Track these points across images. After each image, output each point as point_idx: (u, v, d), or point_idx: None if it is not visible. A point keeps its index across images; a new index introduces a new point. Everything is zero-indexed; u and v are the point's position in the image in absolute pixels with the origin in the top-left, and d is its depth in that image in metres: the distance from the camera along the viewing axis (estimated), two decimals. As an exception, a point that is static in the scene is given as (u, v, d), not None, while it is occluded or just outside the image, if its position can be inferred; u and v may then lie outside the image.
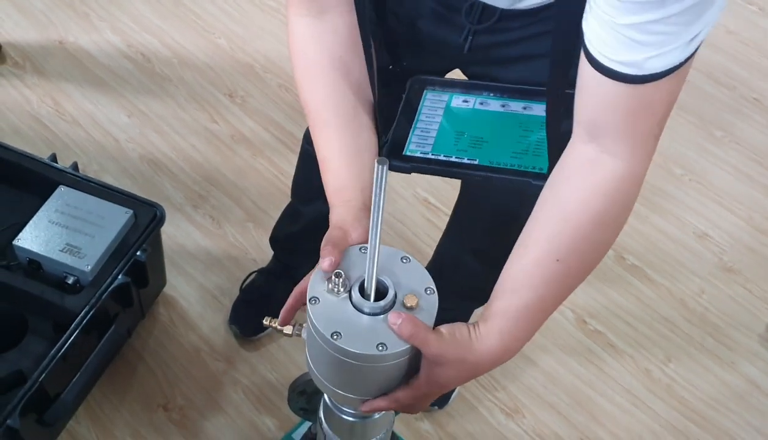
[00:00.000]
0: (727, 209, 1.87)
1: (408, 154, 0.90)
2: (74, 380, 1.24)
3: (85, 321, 1.26)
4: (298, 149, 1.41)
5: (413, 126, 0.92)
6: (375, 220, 0.71)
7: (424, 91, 0.96)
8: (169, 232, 1.68)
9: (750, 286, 1.73)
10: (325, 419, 0.97)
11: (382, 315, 0.75)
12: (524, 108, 0.92)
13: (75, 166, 1.45)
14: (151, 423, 1.44)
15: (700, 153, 1.99)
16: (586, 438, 1.48)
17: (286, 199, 1.51)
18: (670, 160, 1.96)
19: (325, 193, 0.84)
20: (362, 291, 0.75)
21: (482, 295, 0.81)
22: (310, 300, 0.75)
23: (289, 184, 1.48)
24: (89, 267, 1.29)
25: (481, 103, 0.94)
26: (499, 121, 0.92)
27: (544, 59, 0.79)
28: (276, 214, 1.54)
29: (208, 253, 1.68)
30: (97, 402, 1.44)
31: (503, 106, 0.93)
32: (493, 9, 0.89)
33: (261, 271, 1.61)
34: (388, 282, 0.76)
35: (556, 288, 0.75)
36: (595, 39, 0.65)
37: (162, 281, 1.59)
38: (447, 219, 1.37)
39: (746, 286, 1.73)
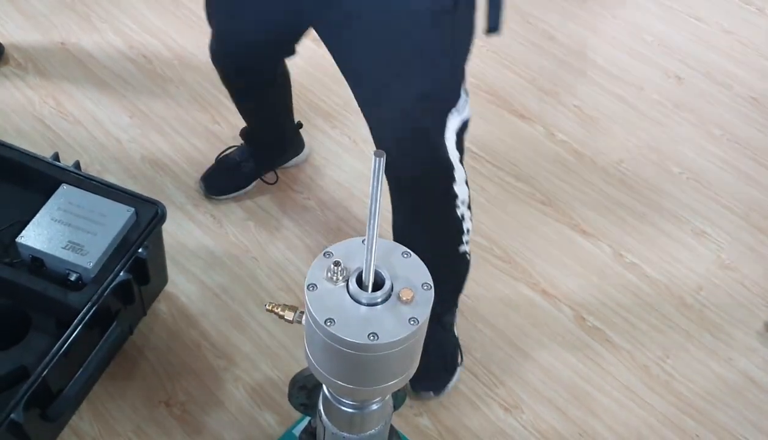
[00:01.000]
0: (725, 207, 1.88)
1: None
2: (77, 376, 1.25)
3: (87, 318, 1.28)
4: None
5: None
6: (373, 211, 0.73)
7: None
8: (170, 231, 1.69)
9: (747, 283, 1.74)
10: (324, 411, 0.99)
11: (377, 306, 0.76)
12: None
13: (77, 165, 1.47)
14: (153, 418, 1.45)
15: (698, 151, 2.00)
16: (585, 433, 1.49)
17: (286, 198, 1.52)
18: (668, 159, 1.97)
19: None
20: (359, 281, 0.77)
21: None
22: (308, 286, 0.77)
23: (287, 181, 1.49)
24: (91, 264, 1.31)
25: None
26: None
27: None
28: (276, 213, 1.56)
29: (209, 251, 1.70)
30: (99, 397, 1.46)
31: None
32: None
33: (238, 147, 1.81)
34: (385, 274, 0.78)
35: None
36: None
37: (163, 279, 1.60)
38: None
39: (744, 283, 1.74)
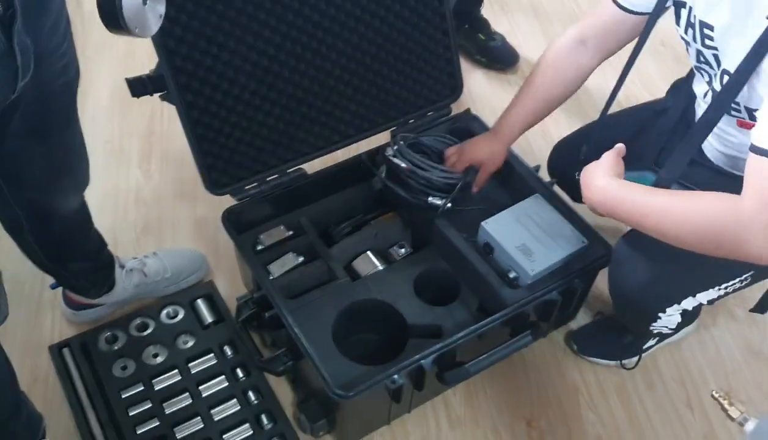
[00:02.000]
0: None
1: None
2: (480, 358, 1.36)
3: (509, 316, 1.38)
4: None
5: None
6: None
7: None
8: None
9: None
10: None
11: None
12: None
13: (551, 183, 1.58)
14: (512, 428, 1.51)
15: None
16: None
17: None
18: None
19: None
20: None
21: None
22: None
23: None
24: (534, 272, 1.40)
25: None
26: None
27: None
28: None
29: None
30: (476, 385, 1.57)
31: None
32: None
33: None
34: None
35: (647, 218, 1.12)
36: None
37: (572, 315, 1.65)
38: None
39: None
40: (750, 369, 1.62)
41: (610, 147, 1.24)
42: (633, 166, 1.25)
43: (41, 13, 1.03)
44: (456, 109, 1.74)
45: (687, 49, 1.25)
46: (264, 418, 1.47)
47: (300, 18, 1.45)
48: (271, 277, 1.49)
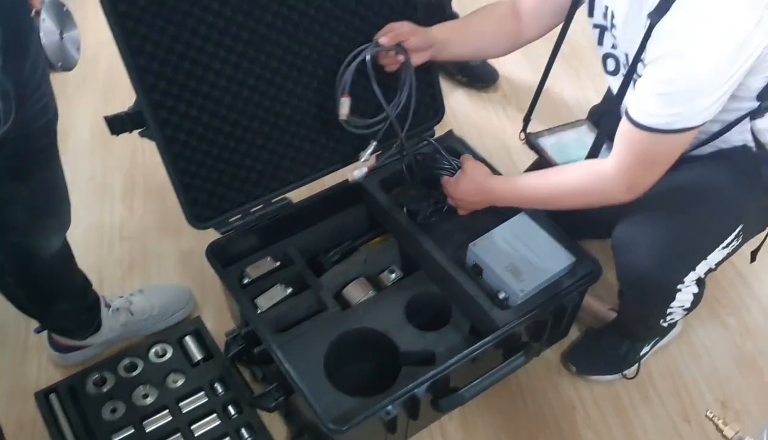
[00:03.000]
0: None
1: None
2: (474, 383, 1.35)
3: (501, 337, 1.37)
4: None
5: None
6: None
7: None
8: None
9: None
10: None
11: None
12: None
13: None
14: (510, 453, 1.50)
15: None
16: None
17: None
18: None
19: None
20: None
21: None
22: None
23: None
24: (523, 292, 1.39)
25: None
26: None
27: None
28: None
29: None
30: (472, 408, 1.55)
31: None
32: None
33: None
34: None
35: (535, 200, 1.42)
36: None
37: (565, 331, 1.64)
38: None
39: None
40: (743, 377, 1.61)
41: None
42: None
43: (20, 56, 1.02)
44: (439, 129, 1.74)
45: (599, 40, 1.36)
46: (259, 454, 1.45)
47: (279, 48, 1.45)
48: (259, 311, 1.47)
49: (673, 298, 1.40)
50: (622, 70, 1.36)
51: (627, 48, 1.26)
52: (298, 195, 1.59)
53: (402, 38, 1.45)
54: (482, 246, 1.47)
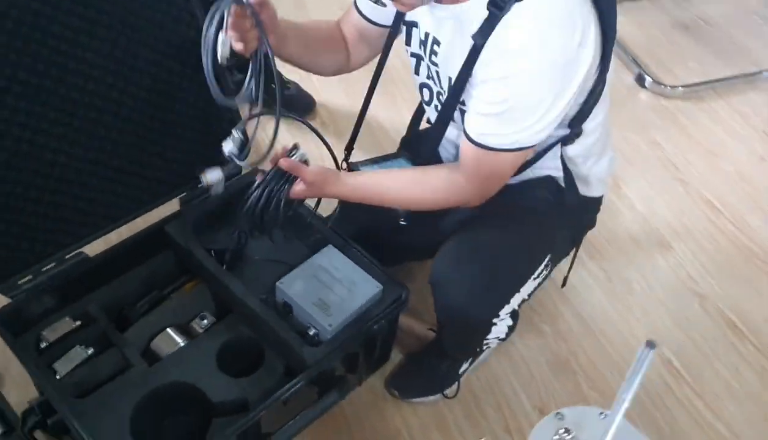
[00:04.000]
0: None
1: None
2: (287, 425, 1.32)
3: (314, 375, 1.35)
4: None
5: None
6: (625, 398, 0.68)
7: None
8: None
9: None
10: None
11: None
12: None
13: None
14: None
15: None
16: None
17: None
18: None
19: None
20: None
21: None
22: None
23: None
24: (331, 327, 1.38)
25: None
26: None
27: None
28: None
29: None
30: (299, 447, 1.52)
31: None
32: None
33: None
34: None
35: (382, 197, 1.37)
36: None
37: (386, 356, 1.64)
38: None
39: None
40: (559, 381, 1.68)
41: None
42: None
43: None
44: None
45: (416, 69, 1.37)
46: None
47: (56, 97, 1.37)
48: (57, 376, 1.38)
49: (489, 331, 1.45)
50: (435, 101, 1.39)
51: (451, 72, 1.26)
52: (95, 248, 1.51)
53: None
54: (290, 283, 1.45)
